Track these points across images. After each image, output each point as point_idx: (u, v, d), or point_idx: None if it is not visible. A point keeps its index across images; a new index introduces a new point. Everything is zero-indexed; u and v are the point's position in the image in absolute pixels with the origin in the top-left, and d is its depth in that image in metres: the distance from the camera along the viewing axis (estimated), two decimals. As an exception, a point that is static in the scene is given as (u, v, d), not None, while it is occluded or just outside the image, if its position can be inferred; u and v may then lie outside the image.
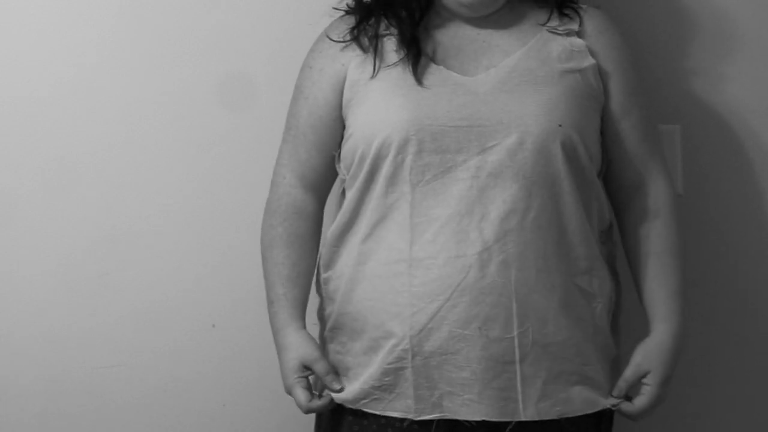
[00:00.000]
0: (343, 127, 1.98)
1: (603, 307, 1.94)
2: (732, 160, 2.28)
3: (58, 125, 2.27)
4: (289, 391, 1.98)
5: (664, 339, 1.95)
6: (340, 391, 1.94)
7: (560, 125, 1.87)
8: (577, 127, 1.89)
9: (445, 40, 1.95)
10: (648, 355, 1.95)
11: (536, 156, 1.86)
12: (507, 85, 1.89)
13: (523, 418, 1.88)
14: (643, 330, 1.98)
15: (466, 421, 1.88)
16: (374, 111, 1.91)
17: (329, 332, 1.99)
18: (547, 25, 1.96)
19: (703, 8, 2.25)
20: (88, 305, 2.29)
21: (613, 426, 2.02)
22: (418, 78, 1.90)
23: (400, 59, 1.92)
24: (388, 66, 1.93)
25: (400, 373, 1.89)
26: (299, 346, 1.97)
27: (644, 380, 1.94)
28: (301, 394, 1.95)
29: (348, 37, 1.97)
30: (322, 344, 2.01)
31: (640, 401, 1.94)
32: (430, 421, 1.90)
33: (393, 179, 1.89)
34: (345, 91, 1.95)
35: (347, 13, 2.01)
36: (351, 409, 1.95)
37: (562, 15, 1.97)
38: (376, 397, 1.91)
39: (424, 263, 1.87)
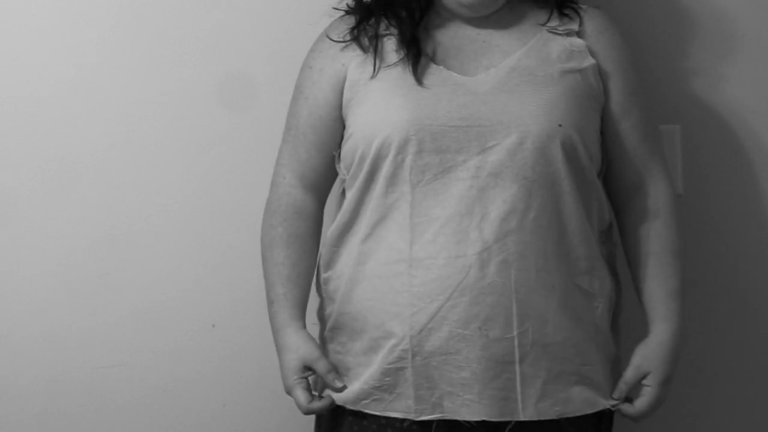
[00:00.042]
0: (343, 127, 1.98)
1: (603, 307, 1.94)
2: (732, 160, 2.28)
3: (58, 125, 2.27)
4: (289, 392, 1.98)
5: (664, 339, 1.95)
6: (342, 389, 1.94)
7: (560, 125, 1.87)
8: (577, 127, 1.89)
9: (445, 40, 1.95)
10: (648, 356, 1.95)
11: (536, 156, 1.86)
12: (507, 85, 1.89)
13: (522, 418, 1.88)
14: (643, 330, 1.98)
15: (466, 422, 1.88)
16: (374, 111, 1.91)
17: (329, 332, 1.99)
18: (547, 25, 1.96)
19: (703, 8, 2.25)
20: (88, 305, 2.29)
21: (613, 426, 2.02)
22: (418, 78, 1.90)
23: (400, 59, 1.92)
24: (388, 66, 1.93)
25: (400, 373, 1.89)
26: (299, 346, 1.97)
27: (644, 381, 1.95)
28: (302, 395, 1.95)
29: (348, 37, 1.97)
30: (322, 344, 2.00)
31: (641, 402, 1.94)
32: (430, 422, 1.90)
33: (393, 179, 1.89)
34: (345, 91, 1.95)
35: (347, 13, 2.00)
36: (351, 409, 1.95)
37: (562, 15, 1.97)
38: (376, 397, 1.91)
39: (424, 263, 1.87)
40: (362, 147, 1.91)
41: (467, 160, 1.87)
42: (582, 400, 1.91)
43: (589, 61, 1.94)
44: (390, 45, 1.94)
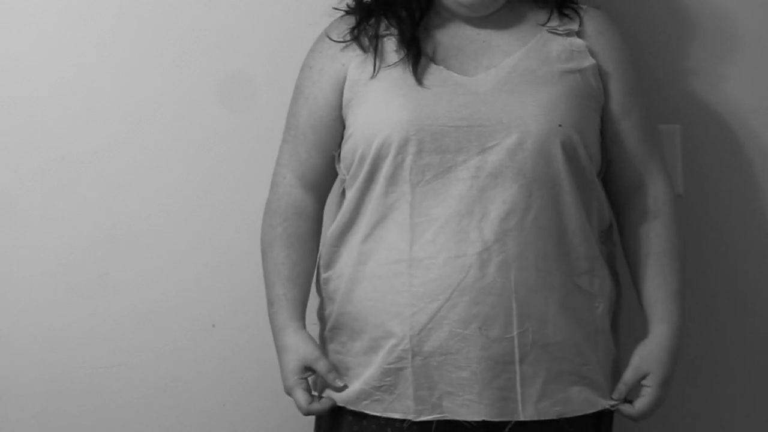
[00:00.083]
0: (343, 127, 1.98)
1: (603, 308, 1.94)
2: (732, 160, 2.28)
3: (58, 125, 2.27)
4: (289, 393, 1.98)
5: (663, 340, 1.95)
6: (343, 388, 1.94)
7: (560, 125, 1.87)
8: (577, 127, 1.89)
9: (445, 40, 1.95)
10: (647, 357, 1.95)
11: (536, 156, 1.86)
12: (507, 85, 1.89)
13: (522, 418, 1.88)
14: (642, 330, 1.98)
15: (466, 422, 1.88)
16: (374, 111, 1.91)
17: (329, 332, 1.99)
18: (547, 25, 1.96)
19: (703, 8, 2.25)
20: (88, 305, 2.29)
21: (613, 426, 2.02)
22: (418, 78, 1.90)
23: (400, 59, 1.92)
24: (388, 66, 1.93)
25: (400, 373, 1.89)
26: (299, 347, 1.97)
27: (644, 382, 1.95)
28: (301, 396, 1.95)
29: (348, 37, 1.97)
30: (322, 344, 2.00)
31: (641, 403, 1.94)
32: (430, 422, 1.90)
33: (393, 179, 1.89)
34: (345, 91, 1.95)
35: (347, 13, 2.00)
36: (351, 409, 1.95)
37: (562, 15, 1.97)
38: (377, 398, 1.91)
39: (424, 263, 1.87)
40: (362, 147, 1.91)
41: (467, 160, 1.87)
42: (582, 400, 1.91)
43: (589, 62, 1.94)
44: (390, 45, 1.94)
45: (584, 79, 1.92)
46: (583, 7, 2.00)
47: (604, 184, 2.00)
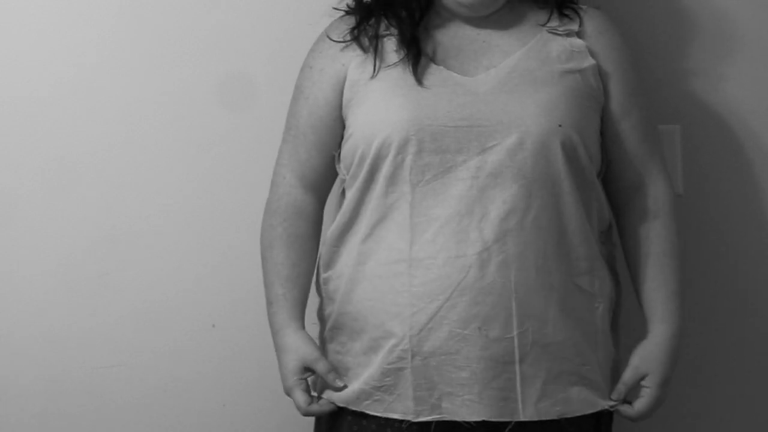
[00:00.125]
0: (343, 127, 1.98)
1: (603, 308, 1.94)
2: (732, 160, 2.28)
3: (58, 125, 2.27)
4: (288, 393, 1.98)
5: (663, 340, 1.95)
6: (342, 388, 1.94)
7: (560, 125, 1.87)
8: (577, 128, 1.89)
9: (445, 40, 1.95)
10: (646, 357, 1.95)
11: (536, 156, 1.86)
12: (507, 86, 1.89)
13: (522, 418, 1.88)
14: (642, 330, 1.98)
15: (466, 422, 1.88)
16: (374, 111, 1.91)
17: (329, 332, 1.99)
18: (547, 25, 1.96)
19: (703, 8, 2.25)
20: (88, 305, 2.29)
21: (613, 426, 2.02)
22: (418, 78, 1.90)
23: (400, 59, 1.92)
24: (388, 66, 1.93)
25: (400, 373, 1.89)
26: (299, 347, 1.97)
27: (643, 382, 1.94)
28: (301, 397, 1.95)
29: (348, 37, 1.97)
30: (322, 344, 2.00)
31: (640, 403, 1.94)
32: (430, 422, 1.90)
33: (393, 179, 1.89)
34: (345, 91, 1.95)
35: (347, 13, 2.00)
36: (351, 409, 1.94)
37: (562, 15, 1.97)
38: (377, 398, 1.91)
39: (424, 263, 1.87)
40: (362, 147, 1.91)
41: (467, 160, 1.87)
42: (581, 401, 1.91)
43: (589, 62, 1.94)
44: (390, 45, 1.94)
45: (584, 80, 1.92)
46: (583, 7, 2.00)
47: (604, 185, 2.00)
